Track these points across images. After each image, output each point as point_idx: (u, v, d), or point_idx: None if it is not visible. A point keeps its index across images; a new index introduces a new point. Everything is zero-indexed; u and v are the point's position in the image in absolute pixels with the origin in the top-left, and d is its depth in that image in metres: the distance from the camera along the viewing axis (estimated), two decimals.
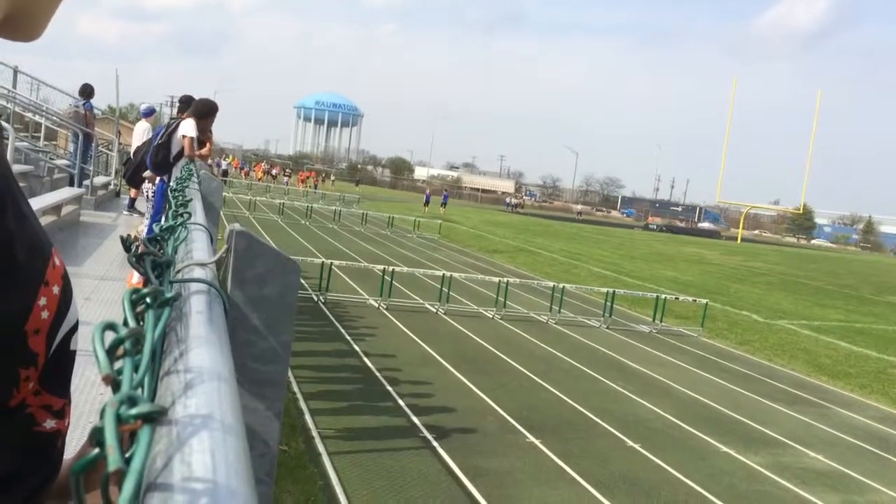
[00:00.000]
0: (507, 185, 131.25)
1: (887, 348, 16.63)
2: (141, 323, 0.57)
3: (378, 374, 8.73)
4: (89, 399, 3.76)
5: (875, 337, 18.30)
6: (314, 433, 6.59)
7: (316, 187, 61.18)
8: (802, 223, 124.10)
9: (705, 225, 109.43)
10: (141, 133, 11.49)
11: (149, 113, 12.53)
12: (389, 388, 8.26)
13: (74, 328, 0.70)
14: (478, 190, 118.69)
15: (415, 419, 7.34)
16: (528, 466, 6.62)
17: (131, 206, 12.76)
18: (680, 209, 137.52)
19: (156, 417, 0.41)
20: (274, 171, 67.77)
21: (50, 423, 0.67)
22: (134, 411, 0.40)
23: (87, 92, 13.47)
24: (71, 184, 12.26)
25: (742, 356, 13.53)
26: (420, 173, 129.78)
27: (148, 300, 0.59)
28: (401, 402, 7.80)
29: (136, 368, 0.46)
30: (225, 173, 52.60)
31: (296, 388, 7.63)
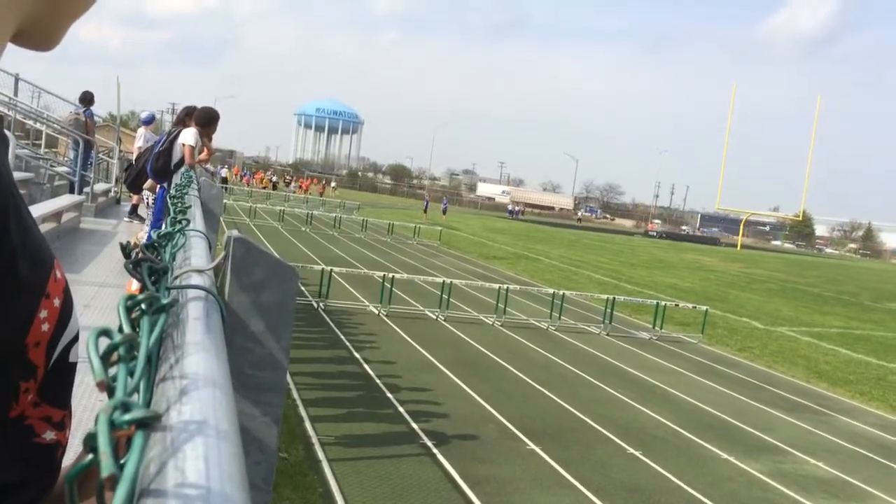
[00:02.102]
0: (566, 202, 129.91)
1: (887, 355, 16.60)
2: (136, 329, 0.57)
3: (378, 380, 8.72)
4: (88, 406, 3.75)
5: (875, 343, 18.28)
6: (314, 440, 6.57)
7: (321, 195, 60.26)
8: (802, 230, 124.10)
9: (789, 246, 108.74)
10: (141, 140, 11.53)
11: (149, 121, 12.57)
12: (389, 394, 8.25)
13: (74, 340, 0.70)
14: (482, 197, 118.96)
15: (415, 426, 7.33)
16: (528, 473, 6.60)
17: (133, 213, 12.77)
18: (768, 228, 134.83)
19: (149, 423, 0.41)
20: (274, 179, 67.46)
21: (49, 435, 0.67)
22: (127, 417, 0.40)
23: (87, 99, 13.51)
24: (71, 191, 12.27)
25: (742, 363, 13.51)
26: (483, 190, 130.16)
27: (143, 306, 0.59)
28: (401, 409, 7.79)
29: (130, 374, 0.47)
30: (224, 181, 52.63)
31: (296, 395, 7.62)
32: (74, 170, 12.70)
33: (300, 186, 65.14)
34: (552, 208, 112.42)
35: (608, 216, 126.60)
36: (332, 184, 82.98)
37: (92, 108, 13.65)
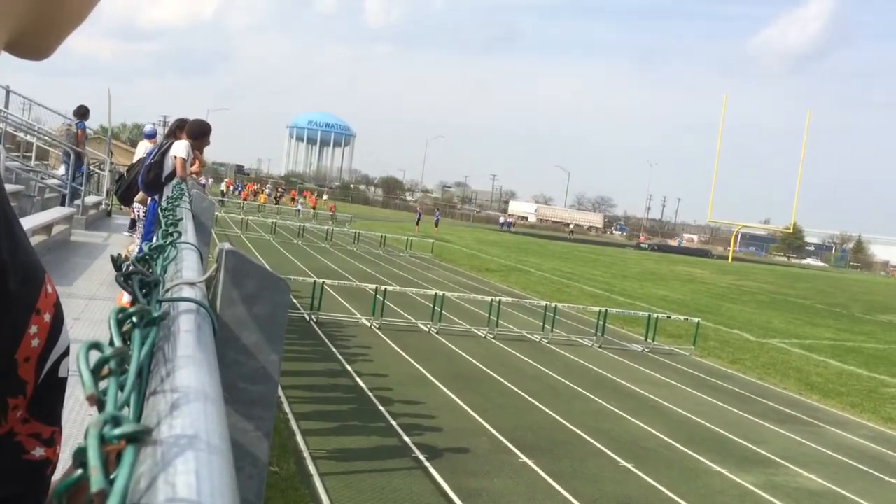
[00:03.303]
0: (595, 219, 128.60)
1: (878, 367, 16.66)
2: (128, 342, 0.56)
3: (370, 393, 8.69)
4: (78, 420, 3.72)
5: (866, 355, 18.35)
6: (305, 454, 6.54)
7: (333, 213, 51.52)
8: (792, 242, 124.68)
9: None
10: (142, 153, 11.53)
11: (151, 134, 12.57)
12: (381, 408, 8.22)
13: (65, 354, 0.69)
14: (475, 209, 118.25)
15: (407, 439, 7.30)
16: (521, 487, 6.58)
17: (133, 227, 12.73)
18: (813, 248, 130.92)
19: (140, 438, 0.41)
20: (266, 191, 65.46)
21: (39, 452, 0.66)
22: (118, 431, 0.40)
23: (81, 113, 13.52)
24: (63, 203, 12.24)
25: (734, 375, 13.53)
26: (514, 208, 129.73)
27: (134, 319, 0.59)
28: (393, 422, 7.76)
29: (121, 388, 0.46)
30: (222, 193, 52.32)
31: (287, 409, 7.58)
32: (65, 182, 12.67)
33: (311, 206, 56.50)
34: (581, 226, 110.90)
35: (657, 235, 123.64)
36: (325, 196, 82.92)
37: (86, 121, 13.66)
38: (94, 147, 18.97)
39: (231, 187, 66.06)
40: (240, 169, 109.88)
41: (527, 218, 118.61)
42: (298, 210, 49.15)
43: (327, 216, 48.42)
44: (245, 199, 52.97)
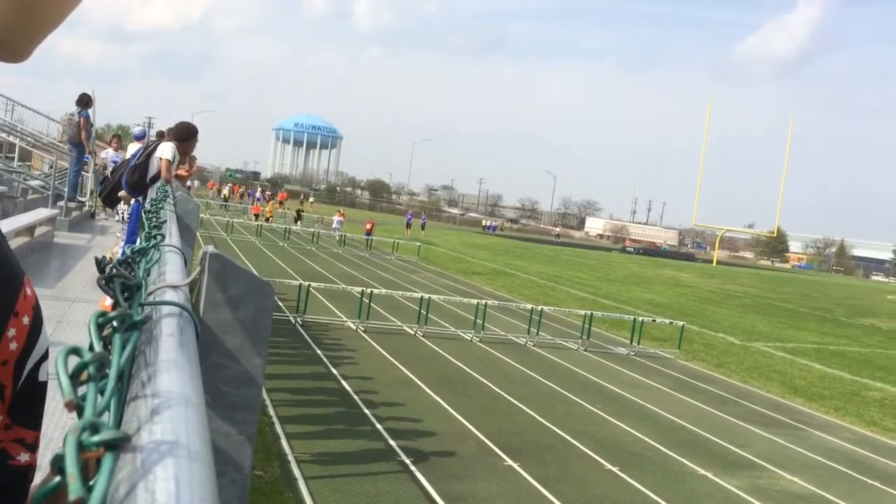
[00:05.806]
0: (670, 236, 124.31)
1: (861, 370, 16.81)
2: (108, 347, 0.56)
3: (356, 396, 8.67)
4: (59, 424, 3.68)
5: (849, 359, 18.50)
6: (290, 457, 6.51)
7: (371, 233, 35.88)
8: (776, 246, 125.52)
9: None
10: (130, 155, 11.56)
11: (140, 137, 12.52)
12: (367, 411, 8.20)
13: (44, 357, 0.68)
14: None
15: (392, 443, 7.29)
16: (507, 490, 6.58)
17: None
18: None
19: (119, 444, 0.40)
20: (262, 195, 56.91)
21: (24, 457, 0.66)
22: (96, 438, 0.39)
23: (83, 101, 13.44)
24: (58, 199, 12.31)
25: (718, 378, 13.60)
26: (591, 224, 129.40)
27: (115, 323, 0.58)
28: (378, 426, 7.74)
29: (100, 393, 0.46)
30: (225, 199, 51.63)
31: (272, 412, 7.55)
32: (71, 180, 12.81)
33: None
34: (654, 244, 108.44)
35: (703, 248, 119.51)
36: (311, 199, 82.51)
37: (88, 110, 13.58)
38: None
39: (214, 189, 64.98)
40: (255, 176, 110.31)
41: (601, 235, 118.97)
42: (336, 229, 37.23)
43: (313, 219, 47.58)
44: (256, 216, 39.80)
